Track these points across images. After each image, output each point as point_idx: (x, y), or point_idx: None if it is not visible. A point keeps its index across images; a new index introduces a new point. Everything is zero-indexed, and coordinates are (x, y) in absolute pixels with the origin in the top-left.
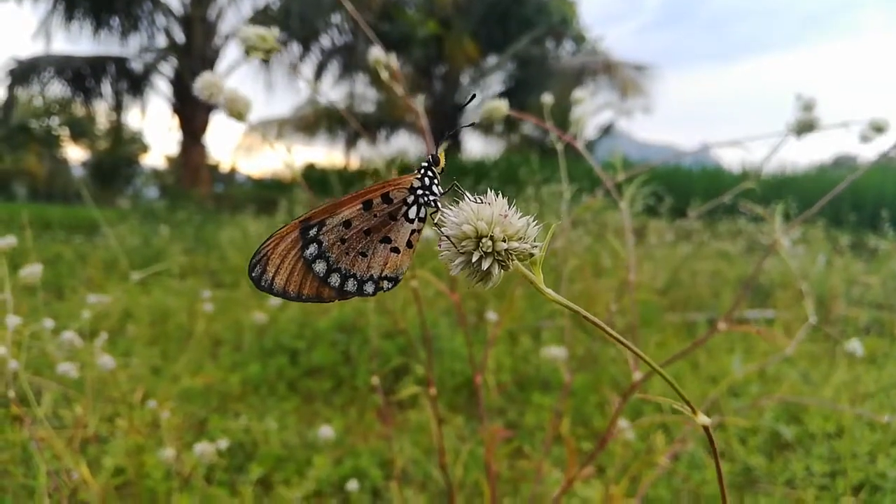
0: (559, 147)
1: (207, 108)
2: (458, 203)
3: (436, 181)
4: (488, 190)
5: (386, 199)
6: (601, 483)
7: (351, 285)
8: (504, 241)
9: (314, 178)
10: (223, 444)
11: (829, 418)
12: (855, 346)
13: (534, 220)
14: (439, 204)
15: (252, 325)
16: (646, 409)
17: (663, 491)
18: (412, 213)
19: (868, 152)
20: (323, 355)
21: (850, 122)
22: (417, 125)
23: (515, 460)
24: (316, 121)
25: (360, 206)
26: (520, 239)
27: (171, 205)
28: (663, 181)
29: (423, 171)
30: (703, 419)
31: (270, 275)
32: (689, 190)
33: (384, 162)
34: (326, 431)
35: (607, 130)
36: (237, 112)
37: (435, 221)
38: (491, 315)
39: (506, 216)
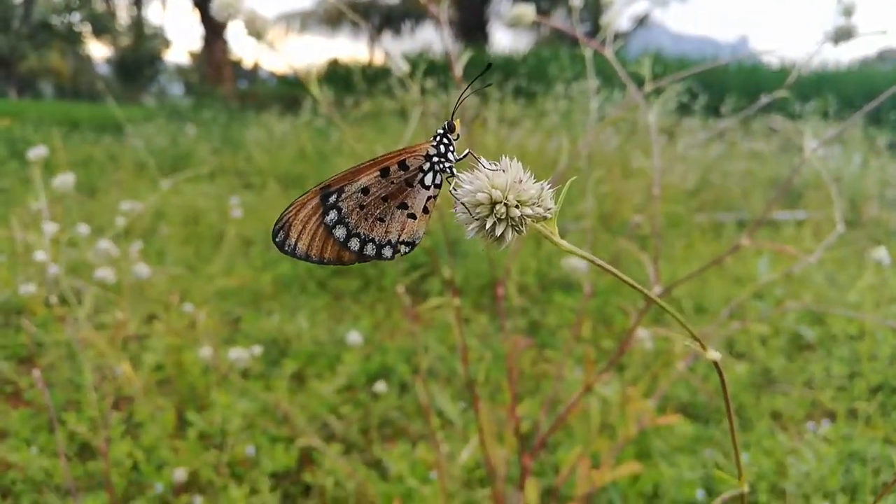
0: (588, 53)
1: None
2: (473, 169)
3: (451, 148)
4: (503, 157)
5: (402, 166)
6: (619, 383)
7: (370, 249)
8: (517, 207)
9: (338, 74)
10: (257, 349)
11: (852, 321)
12: (881, 255)
13: (548, 185)
14: (455, 170)
15: None
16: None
17: (682, 391)
18: (428, 179)
19: None
20: None
21: (889, 30)
22: (440, 18)
23: (538, 358)
24: (339, 13)
25: (378, 173)
26: (533, 204)
27: (197, 103)
28: (697, 77)
29: (438, 138)
30: (712, 354)
31: (293, 240)
32: (725, 87)
33: (409, 58)
34: (354, 337)
35: (642, 22)
36: (256, 31)
37: (451, 188)
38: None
39: (520, 182)
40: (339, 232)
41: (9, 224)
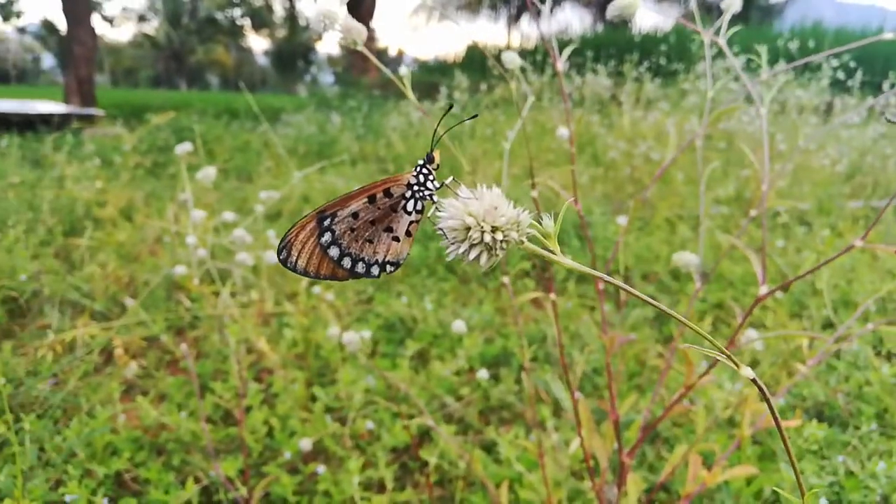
0: (705, 39)
1: None
2: (453, 197)
3: (431, 177)
4: (478, 185)
5: (387, 193)
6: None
7: (360, 268)
8: (491, 232)
9: (476, 59)
10: (367, 333)
11: None
12: None
13: (524, 211)
14: (435, 198)
15: None
16: (811, 304)
17: (818, 390)
18: (410, 206)
19: None
20: None
21: None
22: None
23: (664, 351)
24: None
25: (366, 199)
26: (509, 229)
27: (343, 92)
28: (857, 51)
29: (418, 168)
30: (746, 372)
31: (294, 258)
32: (889, 62)
33: (549, 40)
34: (459, 325)
35: None
36: (352, 41)
37: (428, 215)
38: (621, 219)
39: (496, 209)
40: (333, 251)
41: (167, 209)
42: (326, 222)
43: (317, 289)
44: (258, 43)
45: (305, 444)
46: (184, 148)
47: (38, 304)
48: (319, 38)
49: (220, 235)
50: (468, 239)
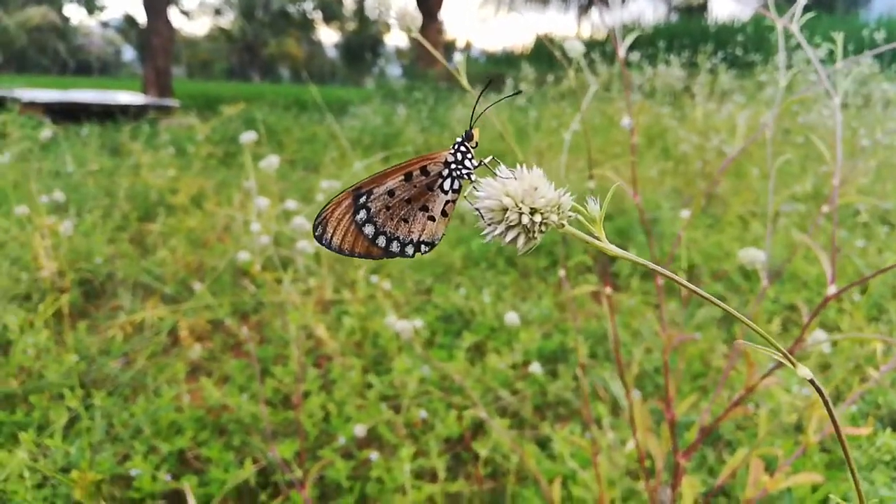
0: (779, 26)
1: None
2: (491, 177)
3: (469, 156)
4: (518, 165)
5: (424, 171)
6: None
7: (395, 247)
8: (530, 214)
9: (544, 51)
10: (419, 322)
11: None
12: None
13: (565, 192)
14: (473, 177)
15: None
16: (891, 308)
17: (894, 398)
18: (446, 184)
19: None
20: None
21: None
22: None
23: (729, 352)
24: None
25: (402, 177)
26: (548, 211)
27: (409, 85)
28: None
29: (456, 146)
30: (803, 371)
31: (329, 234)
32: None
33: (619, 30)
34: (512, 317)
35: None
36: (406, 27)
37: (465, 195)
38: (684, 213)
39: (535, 189)
40: (368, 229)
41: (235, 197)
42: (362, 199)
43: (374, 278)
44: (328, 36)
45: (360, 430)
46: (248, 137)
47: (112, 287)
48: (388, 30)
49: (282, 223)
50: (505, 220)
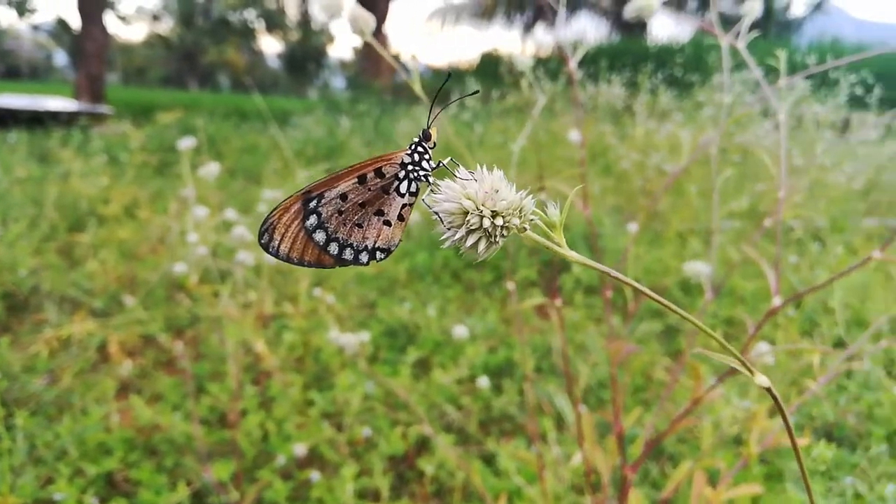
0: (723, 43)
1: None
2: (450, 179)
3: (426, 156)
4: (479, 166)
5: (379, 173)
6: (750, 399)
7: (348, 254)
8: (491, 217)
9: (489, 67)
10: (365, 336)
11: None
12: None
13: (527, 195)
14: (430, 179)
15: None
16: (823, 322)
17: (828, 410)
18: (403, 187)
19: None
20: None
21: None
22: (600, 6)
23: (671, 365)
24: (493, 5)
25: (356, 180)
26: (510, 214)
27: (354, 97)
28: (876, 67)
29: (413, 146)
30: (761, 380)
31: (277, 242)
32: None
33: (569, 46)
34: (461, 330)
35: (819, 6)
36: (359, 30)
37: (423, 197)
38: (632, 226)
39: (496, 192)
40: (319, 236)
41: (170, 207)
42: (312, 204)
43: (318, 291)
44: (270, 45)
45: (300, 449)
46: (187, 143)
47: (38, 300)
48: (332, 41)
49: (221, 234)
50: (466, 224)
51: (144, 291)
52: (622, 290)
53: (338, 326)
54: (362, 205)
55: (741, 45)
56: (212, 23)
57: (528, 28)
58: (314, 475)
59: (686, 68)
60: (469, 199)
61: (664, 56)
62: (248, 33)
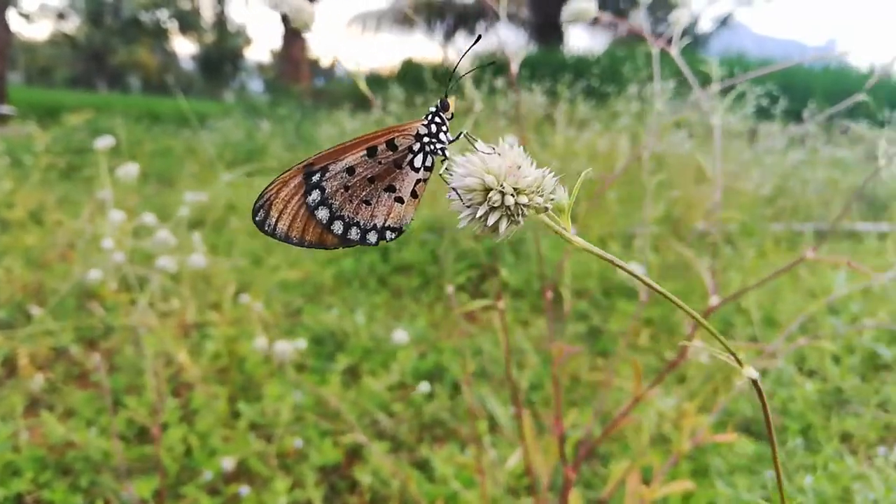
0: (654, 52)
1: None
2: (469, 152)
3: (444, 128)
4: (500, 139)
5: (391, 145)
6: (678, 396)
7: (354, 233)
8: (513, 195)
9: (411, 73)
10: (302, 343)
11: None
12: None
13: (550, 172)
14: (447, 153)
15: None
16: (737, 323)
17: (745, 406)
18: (418, 161)
19: None
20: (413, 253)
21: None
22: (519, 17)
23: (596, 366)
24: (414, 13)
25: (365, 152)
26: (532, 193)
27: (273, 100)
28: (780, 80)
29: (430, 116)
30: (750, 373)
31: (273, 220)
32: (808, 91)
33: (481, 58)
34: (401, 335)
35: (724, 22)
36: (302, 23)
37: (441, 172)
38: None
39: (518, 168)
40: (322, 213)
41: (81, 212)
42: (315, 178)
43: (244, 297)
44: (184, 46)
45: (228, 463)
46: (105, 142)
47: None
48: (249, 43)
49: (139, 239)
50: (487, 201)
51: (54, 301)
52: (543, 293)
53: (263, 334)
54: (371, 179)
55: (674, 53)
56: (122, 22)
57: (448, 36)
58: (243, 489)
59: (602, 79)
60: (491, 174)
61: (581, 67)
62: (160, 34)
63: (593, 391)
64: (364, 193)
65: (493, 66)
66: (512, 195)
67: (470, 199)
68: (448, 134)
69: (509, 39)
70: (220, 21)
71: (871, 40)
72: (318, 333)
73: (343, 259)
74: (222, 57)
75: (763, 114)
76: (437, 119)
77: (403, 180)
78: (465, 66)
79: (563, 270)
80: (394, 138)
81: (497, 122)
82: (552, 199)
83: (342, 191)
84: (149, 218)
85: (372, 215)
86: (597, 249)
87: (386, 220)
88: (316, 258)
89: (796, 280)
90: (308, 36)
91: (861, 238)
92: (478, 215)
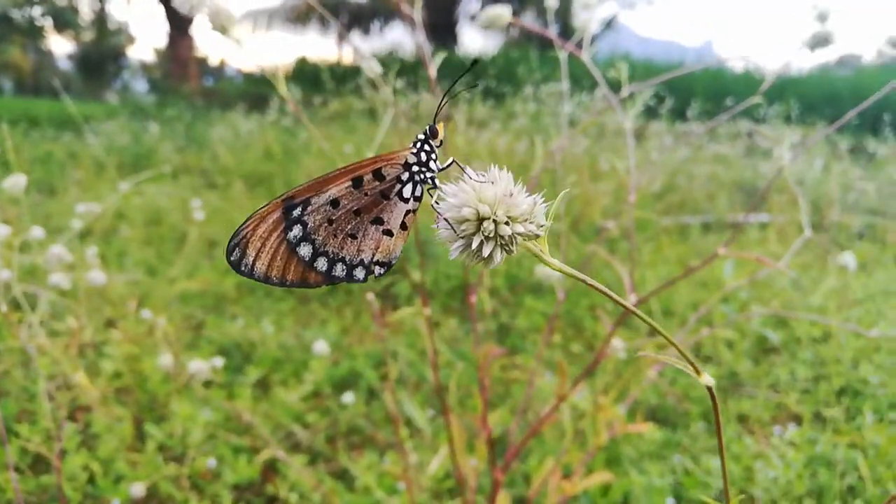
0: (562, 56)
1: None
2: (457, 180)
3: (433, 156)
4: (491, 166)
5: (378, 175)
6: (590, 391)
7: (339, 270)
8: (507, 223)
9: (306, 72)
10: (218, 361)
11: (816, 324)
12: (848, 259)
13: (541, 198)
14: (437, 182)
15: None
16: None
17: (650, 395)
18: (407, 191)
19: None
20: None
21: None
22: (412, 17)
23: (507, 363)
24: (307, 11)
25: (350, 183)
26: (525, 220)
27: (161, 101)
28: (665, 81)
29: (419, 144)
30: (706, 380)
31: (251, 259)
32: (691, 90)
33: (379, 58)
34: (321, 346)
35: (609, 24)
36: (221, 26)
37: (433, 201)
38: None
39: (511, 195)
40: (305, 250)
41: None
42: (296, 212)
43: (146, 313)
44: (61, 45)
45: (137, 489)
46: None
47: None
48: (132, 41)
49: (26, 255)
50: (481, 231)
51: None
52: (453, 294)
53: (165, 350)
54: (357, 212)
55: (585, 57)
56: None
57: (343, 34)
58: None
59: (499, 80)
60: (485, 203)
61: (478, 68)
62: (33, 32)
63: (506, 389)
64: (349, 227)
65: (397, 67)
66: (507, 223)
67: (464, 230)
68: (437, 162)
69: (405, 40)
70: (100, 18)
71: (744, 41)
72: (223, 346)
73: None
74: (103, 56)
75: (650, 113)
76: (427, 147)
77: (392, 211)
78: (463, 82)
79: (483, 273)
80: (381, 168)
81: (398, 123)
82: (542, 226)
83: (326, 225)
84: (37, 231)
85: (359, 250)
86: (573, 271)
87: (374, 255)
88: (215, 266)
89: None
90: (195, 34)
91: (744, 229)
92: (473, 247)
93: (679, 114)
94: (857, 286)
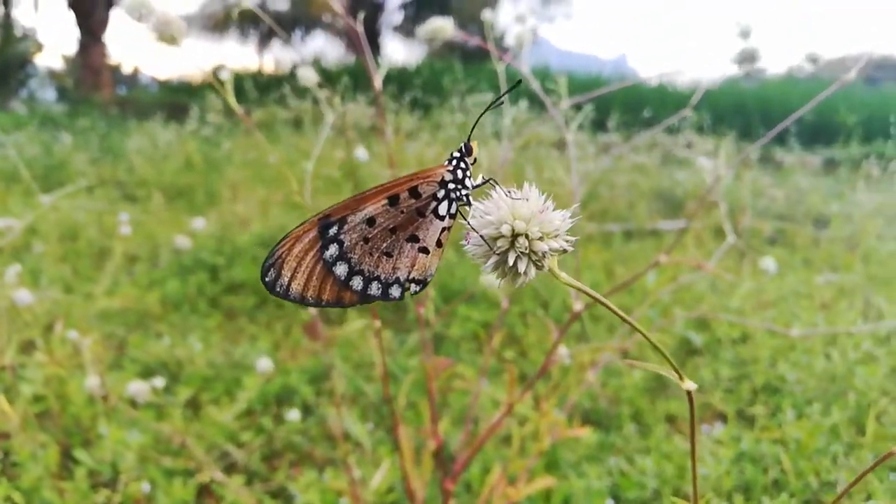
0: (500, 69)
1: (107, 3)
2: (490, 197)
3: (468, 173)
4: (525, 184)
5: (414, 193)
6: (529, 396)
7: (375, 288)
8: (541, 239)
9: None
10: (159, 381)
11: (735, 325)
12: (769, 264)
13: (567, 214)
14: (471, 199)
15: (168, 242)
16: (565, 320)
17: (583, 399)
18: (442, 209)
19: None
20: (245, 271)
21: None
22: (335, 26)
23: (447, 371)
24: (225, 18)
25: (386, 201)
26: (556, 236)
27: (72, 110)
28: (583, 92)
29: (454, 161)
30: (688, 385)
31: (286, 279)
32: (609, 102)
33: (305, 65)
34: (265, 363)
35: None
36: (170, 36)
37: (468, 219)
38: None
39: (543, 212)
40: (341, 269)
41: None
42: (332, 231)
43: (73, 333)
44: None
45: None
46: None
47: None
48: (39, 49)
49: None
50: (515, 248)
51: None
52: (387, 305)
53: (86, 372)
54: (393, 230)
55: (524, 68)
56: None
57: (263, 43)
58: None
59: (424, 90)
60: (520, 219)
61: (404, 78)
62: None
63: (443, 398)
64: (385, 245)
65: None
66: (540, 239)
67: (499, 247)
68: (471, 179)
69: (327, 49)
70: (5, 25)
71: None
72: (148, 365)
73: (168, 281)
74: (8, 64)
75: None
76: (462, 164)
77: (428, 229)
78: (500, 95)
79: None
80: (417, 185)
81: (324, 133)
82: (567, 241)
83: (362, 243)
84: None
85: (394, 268)
86: (580, 285)
87: (410, 273)
88: (136, 282)
89: (611, 276)
90: (107, 41)
91: (661, 236)
92: (509, 263)
93: (599, 125)
94: (771, 288)
